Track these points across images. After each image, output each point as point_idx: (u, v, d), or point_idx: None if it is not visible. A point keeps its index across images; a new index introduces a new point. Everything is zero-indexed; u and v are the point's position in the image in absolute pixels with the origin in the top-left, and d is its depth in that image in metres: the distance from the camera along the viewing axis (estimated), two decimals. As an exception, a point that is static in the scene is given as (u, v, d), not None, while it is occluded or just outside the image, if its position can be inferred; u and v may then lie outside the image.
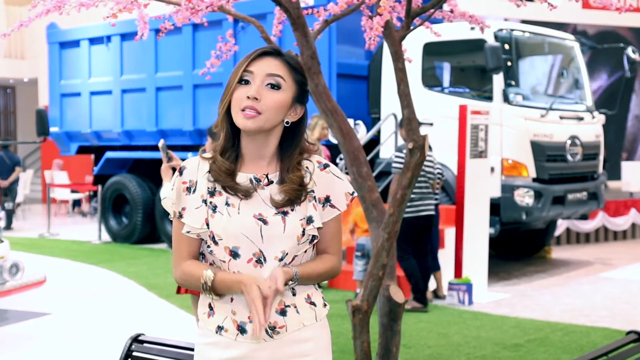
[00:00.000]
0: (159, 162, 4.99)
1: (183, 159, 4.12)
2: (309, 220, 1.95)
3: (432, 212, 6.78)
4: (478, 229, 7.44)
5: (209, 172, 1.96)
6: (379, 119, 8.82)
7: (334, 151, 8.24)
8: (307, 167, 1.99)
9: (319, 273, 2.00)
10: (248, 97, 1.90)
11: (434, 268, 7.21)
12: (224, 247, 1.92)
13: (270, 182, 1.96)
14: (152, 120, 10.71)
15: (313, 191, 1.98)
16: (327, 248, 2.04)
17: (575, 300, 7.32)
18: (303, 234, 1.94)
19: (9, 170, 13.51)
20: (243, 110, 1.90)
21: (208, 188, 1.95)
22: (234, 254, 1.92)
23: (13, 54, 19.66)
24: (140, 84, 10.85)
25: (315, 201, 1.98)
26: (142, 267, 9.09)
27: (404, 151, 6.76)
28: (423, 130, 6.76)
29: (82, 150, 12.23)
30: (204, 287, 1.92)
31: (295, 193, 1.94)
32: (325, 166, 2.02)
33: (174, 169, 4.94)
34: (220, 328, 1.95)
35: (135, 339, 2.92)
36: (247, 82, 1.93)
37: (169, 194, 1.97)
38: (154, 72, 10.65)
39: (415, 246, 6.76)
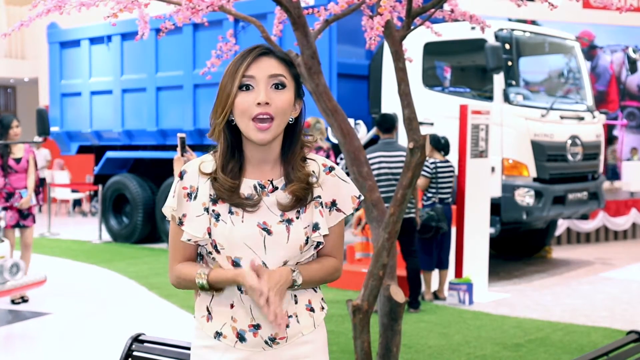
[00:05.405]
0: (159, 162, 4.99)
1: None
2: (315, 227, 1.91)
3: (409, 215, 6.50)
4: (478, 229, 7.43)
5: (212, 187, 1.89)
6: (379, 118, 8.81)
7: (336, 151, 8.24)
8: (313, 171, 1.93)
9: (320, 277, 1.96)
10: (259, 104, 1.82)
11: (441, 266, 7.21)
12: (226, 257, 1.88)
13: (275, 189, 1.90)
14: (152, 120, 10.70)
15: (320, 197, 1.92)
16: (330, 252, 1.99)
17: (575, 300, 7.32)
18: (306, 243, 1.90)
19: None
20: (254, 120, 1.83)
21: (210, 195, 1.88)
22: (236, 264, 1.88)
23: (13, 54, 19.65)
24: (140, 83, 10.85)
25: (322, 207, 1.92)
26: (142, 266, 9.09)
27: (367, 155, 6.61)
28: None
29: (82, 150, 12.24)
30: (201, 288, 1.88)
31: (303, 192, 1.88)
32: (331, 169, 1.96)
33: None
34: (218, 334, 1.91)
35: (136, 339, 2.91)
36: (248, 88, 1.85)
37: (169, 200, 1.91)
38: (155, 72, 10.64)
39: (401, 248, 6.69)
